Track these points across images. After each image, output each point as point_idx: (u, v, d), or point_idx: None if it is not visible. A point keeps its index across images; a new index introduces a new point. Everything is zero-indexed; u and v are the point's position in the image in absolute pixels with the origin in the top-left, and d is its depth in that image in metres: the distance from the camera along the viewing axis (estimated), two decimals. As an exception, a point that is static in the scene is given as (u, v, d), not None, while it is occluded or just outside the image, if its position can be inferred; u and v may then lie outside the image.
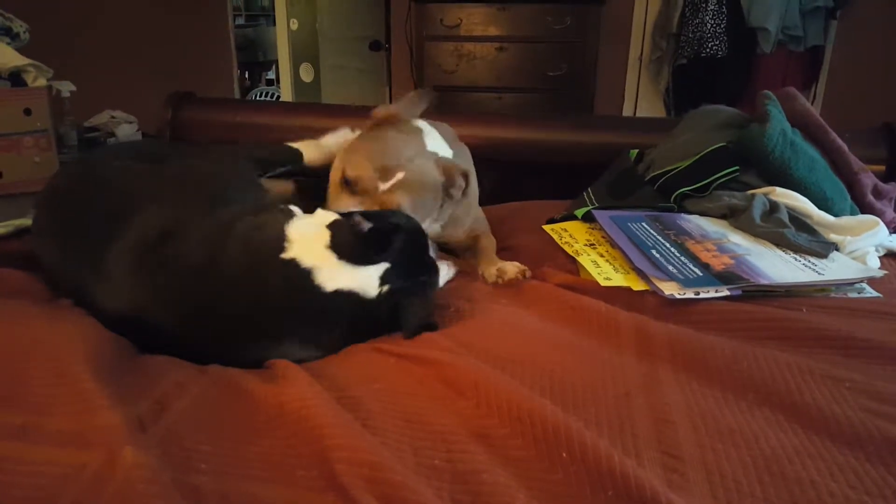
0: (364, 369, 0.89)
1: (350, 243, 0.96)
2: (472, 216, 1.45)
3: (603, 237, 1.28)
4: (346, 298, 0.94)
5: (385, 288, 0.96)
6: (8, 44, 2.45)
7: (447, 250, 1.49)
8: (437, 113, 1.56)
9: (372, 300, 0.96)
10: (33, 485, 0.65)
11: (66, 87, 2.79)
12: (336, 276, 0.94)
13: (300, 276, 0.92)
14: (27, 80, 2.44)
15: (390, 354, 0.92)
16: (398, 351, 0.92)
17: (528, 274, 1.24)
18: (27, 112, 2.40)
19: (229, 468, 0.69)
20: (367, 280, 0.95)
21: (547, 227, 1.37)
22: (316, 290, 0.93)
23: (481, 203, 1.67)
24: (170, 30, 3.97)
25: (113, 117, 3.22)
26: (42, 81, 2.48)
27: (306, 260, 0.93)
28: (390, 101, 4.28)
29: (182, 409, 0.78)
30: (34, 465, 0.68)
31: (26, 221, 1.26)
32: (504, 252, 1.38)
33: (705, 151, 1.45)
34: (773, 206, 1.29)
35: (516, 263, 1.26)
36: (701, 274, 1.10)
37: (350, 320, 0.96)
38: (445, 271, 1.24)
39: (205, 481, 0.67)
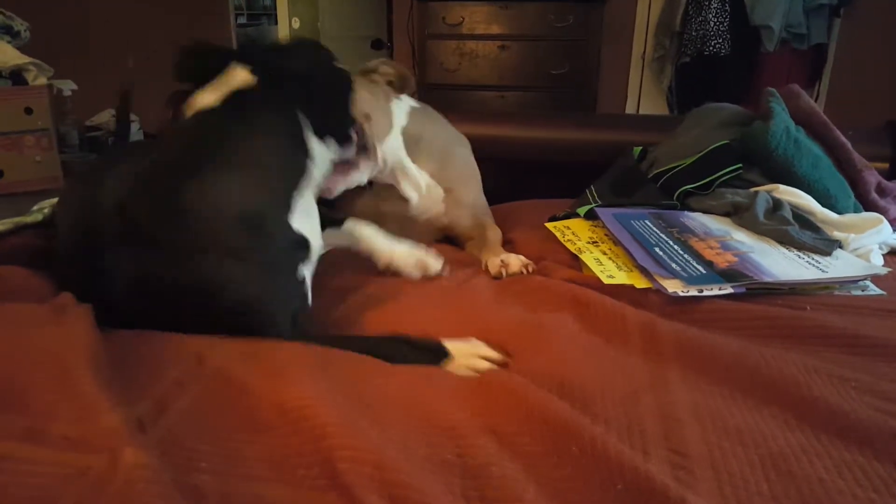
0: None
1: None
2: (473, 197, 1.48)
3: (606, 235, 1.27)
4: None
5: None
6: (9, 42, 2.45)
7: (453, 242, 1.49)
8: (439, 112, 1.57)
9: None
10: (36, 485, 0.65)
11: (68, 86, 2.79)
12: None
13: None
14: (28, 79, 2.44)
15: None
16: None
17: (532, 268, 1.24)
18: (28, 111, 2.40)
19: (230, 468, 0.69)
20: None
21: (549, 225, 1.36)
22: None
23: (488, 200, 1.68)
24: (172, 29, 3.97)
25: (114, 116, 3.22)
26: (43, 80, 2.48)
27: None
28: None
29: (182, 408, 0.78)
30: (38, 466, 0.68)
31: (26, 219, 1.26)
32: (506, 248, 1.38)
33: (708, 149, 1.44)
34: (777, 204, 1.29)
35: (521, 256, 1.27)
36: (704, 271, 1.09)
37: None
38: (433, 262, 1.25)
39: (206, 480, 0.67)
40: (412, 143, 1.40)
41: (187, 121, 1.03)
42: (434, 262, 1.23)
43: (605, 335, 0.97)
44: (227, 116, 1.00)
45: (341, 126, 1.15)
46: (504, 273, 1.23)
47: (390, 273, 1.24)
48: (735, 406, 0.82)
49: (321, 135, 1.07)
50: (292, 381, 0.82)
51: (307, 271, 1.01)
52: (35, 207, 1.31)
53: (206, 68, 1.04)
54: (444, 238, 1.51)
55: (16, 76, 2.46)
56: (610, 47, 3.62)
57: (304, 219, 1.01)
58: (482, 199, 1.54)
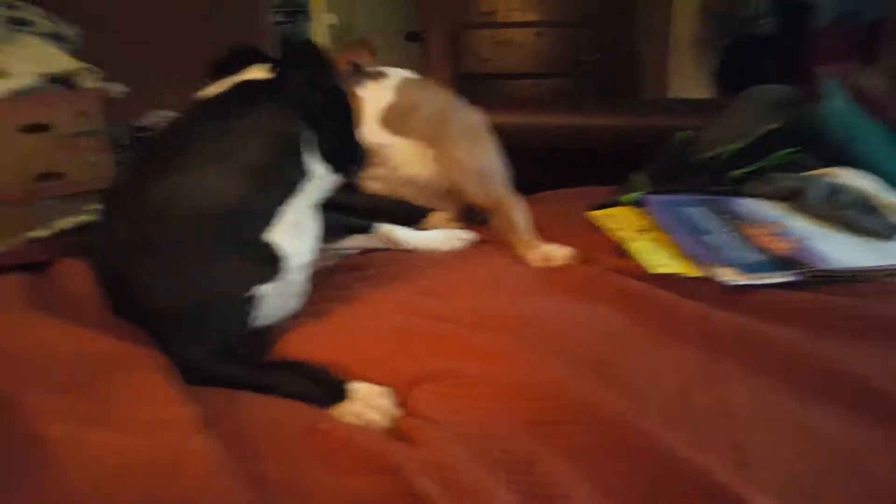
0: (422, 359, 0.88)
1: None
2: (479, 162, 1.44)
3: (654, 223, 1.24)
4: None
5: None
6: (60, 48, 2.52)
7: (475, 220, 1.48)
8: (473, 101, 1.55)
9: None
10: (108, 466, 0.69)
11: (118, 89, 2.86)
12: None
13: None
14: (80, 83, 2.51)
15: (446, 337, 0.92)
16: (454, 332, 0.93)
17: (581, 259, 1.22)
18: (82, 114, 2.47)
19: (292, 455, 0.72)
20: None
21: (592, 214, 1.34)
22: None
23: (523, 192, 1.65)
24: (213, 29, 4.03)
25: (163, 117, 3.31)
26: (94, 84, 2.55)
27: None
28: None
29: (249, 398, 0.82)
30: (108, 448, 0.71)
31: (86, 218, 1.32)
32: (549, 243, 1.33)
33: (760, 132, 1.41)
34: (835, 188, 1.24)
35: (565, 248, 1.24)
36: (760, 259, 1.06)
37: None
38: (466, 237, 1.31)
39: (269, 467, 0.70)
40: (403, 115, 1.38)
41: (181, 113, 1.01)
42: (465, 237, 1.34)
43: (657, 327, 0.95)
44: (217, 108, 0.96)
45: (350, 156, 1.07)
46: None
47: None
48: (795, 400, 0.79)
49: (327, 157, 0.99)
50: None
51: (267, 289, 0.96)
52: (92, 207, 1.35)
53: (231, 65, 1.01)
54: (468, 216, 1.49)
55: (68, 81, 2.54)
56: (650, 30, 3.55)
57: (289, 235, 0.97)
58: (496, 167, 1.48)
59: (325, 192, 1.04)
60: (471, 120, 1.50)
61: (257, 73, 0.97)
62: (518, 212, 1.37)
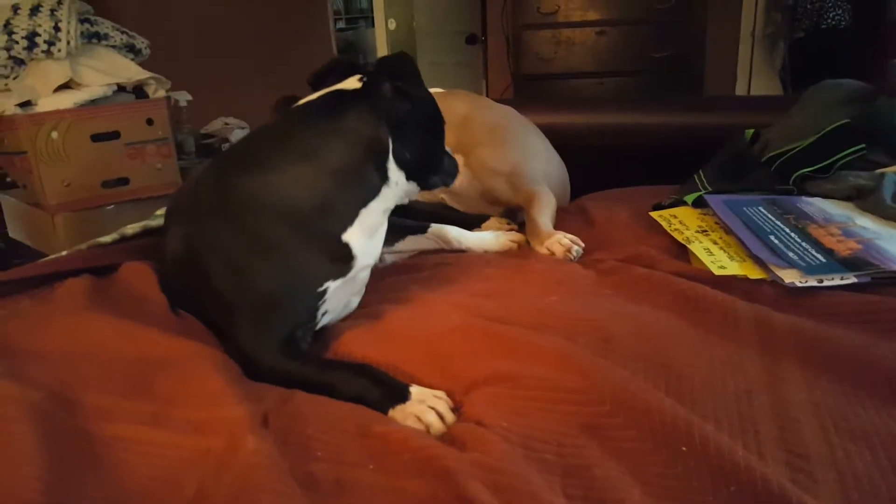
0: (477, 362, 0.89)
1: None
2: (509, 163, 1.44)
3: (716, 223, 1.22)
4: None
5: None
6: (132, 59, 2.63)
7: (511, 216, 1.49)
8: (534, 101, 1.55)
9: None
10: (160, 466, 0.71)
11: (184, 97, 2.97)
12: None
13: None
14: (148, 93, 2.62)
15: (502, 339, 0.92)
16: (510, 334, 0.92)
17: (577, 252, 1.23)
18: (149, 122, 2.58)
19: (344, 456, 0.72)
20: None
21: (654, 214, 1.32)
22: None
23: (582, 191, 1.63)
24: (275, 37, 4.13)
25: (226, 124, 3.41)
26: (162, 93, 2.65)
27: None
28: (487, 94, 4.30)
29: (302, 399, 0.83)
30: (162, 447, 0.73)
31: (151, 222, 1.35)
32: (606, 243, 1.31)
33: (827, 129, 1.36)
34: (906, 186, 1.19)
35: (567, 239, 1.25)
36: (825, 260, 1.03)
37: None
38: (515, 238, 1.33)
39: (321, 468, 0.70)
40: None
41: (274, 120, 1.05)
42: (515, 238, 1.35)
43: (716, 330, 0.93)
44: (307, 113, 1.01)
45: (431, 168, 1.11)
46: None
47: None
48: (860, 406, 0.77)
49: (406, 165, 1.03)
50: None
51: (336, 285, 0.99)
52: (158, 212, 1.40)
53: (329, 77, 1.06)
54: (503, 214, 1.51)
55: (138, 90, 2.65)
56: (716, 25, 3.46)
57: (363, 237, 1.00)
58: (527, 167, 1.48)
59: (401, 199, 1.07)
60: (496, 121, 1.51)
61: (351, 83, 1.02)
62: (538, 204, 1.37)
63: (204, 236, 0.98)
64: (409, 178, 1.04)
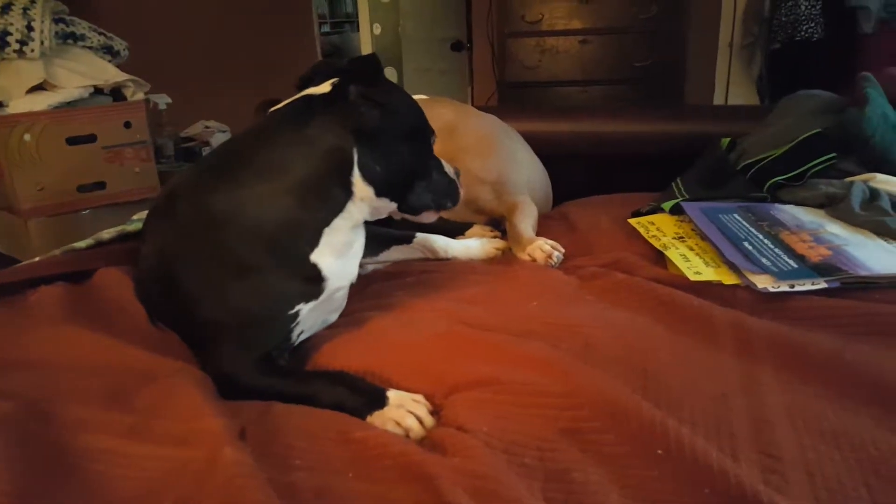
0: (460, 367, 0.89)
1: None
2: (494, 173, 1.45)
3: (693, 230, 1.25)
4: None
5: None
6: (109, 61, 2.61)
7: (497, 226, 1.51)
8: (521, 109, 1.57)
9: None
10: (139, 478, 0.70)
11: (163, 100, 2.95)
12: None
13: None
14: (127, 95, 2.59)
15: (484, 344, 0.93)
16: (492, 339, 0.93)
17: (558, 258, 1.25)
18: (127, 125, 2.54)
19: (323, 465, 0.72)
20: None
21: (633, 221, 1.35)
22: None
23: (565, 197, 1.66)
24: (258, 39, 4.11)
25: (207, 127, 3.38)
26: (140, 95, 2.63)
27: None
28: (472, 101, 4.32)
29: (281, 409, 0.82)
30: (140, 460, 0.72)
31: (128, 227, 1.33)
32: (587, 249, 1.34)
33: (800, 138, 1.39)
34: (874, 194, 1.23)
35: (547, 244, 1.27)
36: (796, 266, 1.06)
37: None
38: (500, 244, 1.34)
39: (301, 477, 0.70)
40: None
41: (250, 126, 1.00)
42: (499, 245, 1.37)
43: (692, 335, 0.95)
44: (277, 121, 0.95)
45: (407, 185, 1.01)
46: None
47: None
48: (830, 407, 0.79)
49: (374, 178, 0.95)
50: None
51: (308, 307, 0.96)
52: (135, 217, 1.39)
53: (314, 80, 0.99)
54: (489, 222, 1.52)
55: (116, 93, 2.61)
56: (696, 36, 3.51)
57: (333, 257, 0.96)
58: (511, 176, 1.49)
59: (372, 216, 1.00)
60: (482, 130, 1.53)
61: (323, 87, 0.95)
62: (520, 213, 1.39)
63: (178, 254, 0.94)
64: (379, 194, 0.96)
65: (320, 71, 1.00)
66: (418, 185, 1.02)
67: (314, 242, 0.94)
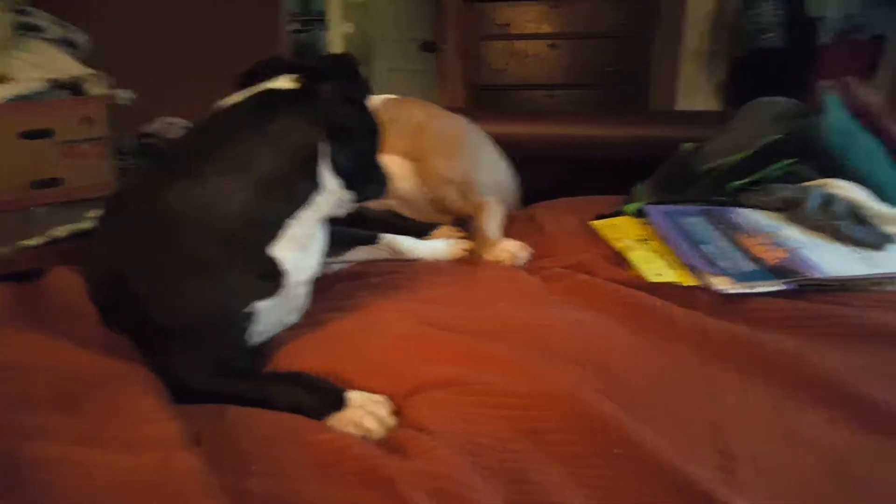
0: (422, 367, 0.89)
1: None
2: (460, 172, 1.45)
3: (654, 233, 1.26)
4: None
5: None
6: (69, 54, 2.55)
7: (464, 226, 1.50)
8: (490, 111, 1.58)
9: None
10: (89, 486, 0.68)
11: (125, 95, 2.90)
12: None
13: None
14: (86, 90, 2.54)
15: (448, 344, 0.93)
16: (456, 340, 0.93)
17: (524, 258, 1.27)
18: (86, 120, 2.49)
19: (281, 469, 0.71)
20: None
21: (595, 223, 1.36)
22: None
23: (534, 199, 1.67)
24: (224, 36, 4.05)
25: (169, 123, 3.32)
26: (101, 90, 2.57)
27: None
28: (442, 103, 4.32)
29: (237, 413, 0.81)
30: (90, 467, 0.70)
31: (80, 226, 1.31)
32: (553, 250, 1.35)
33: (761, 144, 1.42)
34: (829, 199, 1.25)
35: (513, 247, 1.28)
36: (753, 268, 1.08)
37: None
38: (464, 246, 1.34)
39: (257, 483, 0.69)
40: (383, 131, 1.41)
41: (199, 121, 0.98)
42: (467, 246, 1.36)
43: (653, 335, 0.97)
44: (238, 114, 0.93)
45: (369, 177, 1.05)
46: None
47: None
48: (786, 406, 0.81)
49: (343, 173, 0.96)
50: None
51: (266, 304, 0.94)
52: (89, 214, 1.37)
53: (258, 76, 0.98)
54: (455, 223, 1.51)
55: (75, 87, 2.55)
56: (661, 43, 3.55)
57: (294, 250, 0.95)
58: (478, 177, 1.50)
59: (335, 210, 1.01)
60: (451, 130, 1.53)
61: (284, 82, 0.94)
62: (486, 214, 1.40)
63: (130, 253, 0.92)
64: (346, 186, 0.98)
65: (265, 67, 0.99)
66: (378, 177, 1.07)
67: (274, 236, 0.92)
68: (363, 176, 1.02)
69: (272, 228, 0.92)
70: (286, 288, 0.96)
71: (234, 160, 0.90)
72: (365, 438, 0.78)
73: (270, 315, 0.97)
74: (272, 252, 0.93)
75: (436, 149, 1.46)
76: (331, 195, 0.97)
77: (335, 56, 0.97)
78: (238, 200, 0.89)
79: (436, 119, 1.54)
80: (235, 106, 0.95)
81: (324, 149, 0.93)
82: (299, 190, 0.93)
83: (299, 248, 0.96)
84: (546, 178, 1.82)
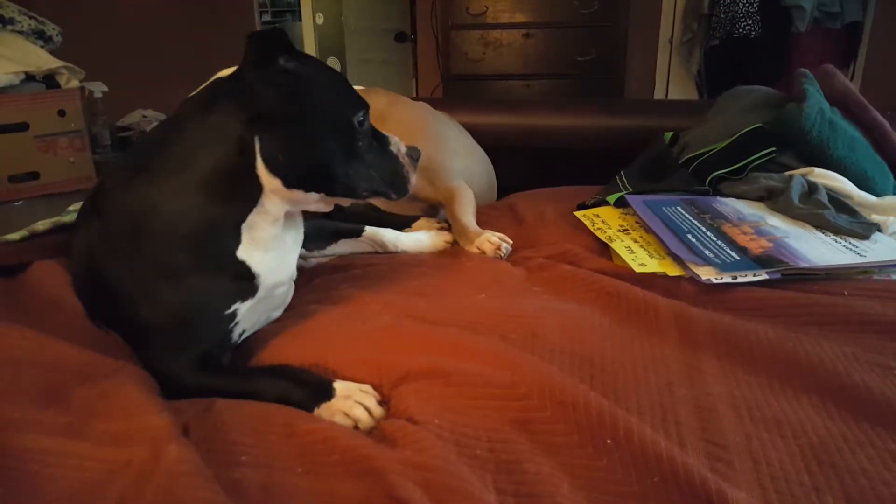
0: (408, 358, 0.88)
1: None
2: (425, 159, 1.44)
3: (637, 222, 1.26)
4: None
5: None
6: (42, 46, 2.50)
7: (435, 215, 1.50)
8: (465, 102, 1.56)
9: None
10: (79, 478, 0.68)
11: (99, 88, 2.85)
12: None
13: None
14: (61, 82, 2.49)
15: (432, 336, 0.92)
16: (441, 331, 0.92)
17: (507, 250, 1.26)
18: (61, 113, 2.45)
19: (270, 460, 0.70)
20: None
21: (578, 213, 1.35)
22: None
23: (512, 189, 1.66)
24: (196, 27, 4.00)
25: (144, 116, 3.28)
26: (75, 83, 2.53)
27: None
28: (416, 93, 4.30)
29: (225, 405, 0.80)
30: (79, 459, 0.70)
31: (63, 218, 1.28)
32: (534, 240, 1.34)
33: (741, 133, 1.42)
34: (812, 187, 1.26)
35: (495, 237, 1.27)
36: (738, 258, 1.07)
37: None
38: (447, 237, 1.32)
39: (246, 474, 0.68)
40: None
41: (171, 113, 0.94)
42: (448, 237, 1.35)
43: (637, 326, 0.96)
44: (187, 108, 0.89)
45: (323, 173, 0.90)
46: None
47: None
48: (773, 395, 0.81)
49: (278, 167, 0.86)
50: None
51: (246, 306, 0.92)
52: (70, 207, 1.34)
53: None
54: (429, 209, 1.51)
55: (49, 80, 2.51)
56: (637, 32, 3.57)
57: (260, 252, 0.91)
58: (444, 162, 1.48)
59: (293, 208, 0.94)
60: (413, 116, 1.52)
61: (230, 69, 0.89)
62: (458, 203, 1.38)
63: (106, 254, 0.90)
64: (289, 185, 0.87)
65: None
66: (343, 171, 0.91)
67: (237, 239, 0.89)
68: (316, 173, 0.89)
69: (231, 231, 0.88)
70: (263, 289, 0.94)
71: (179, 159, 0.86)
72: (355, 428, 0.77)
73: (253, 315, 0.96)
74: (241, 256, 0.89)
75: (398, 135, 1.45)
76: (275, 196, 0.88)
77: (261, 32, 0.83)
78: (189, 204, 0.85)
79: (396, 107, 1.52)
80: (190, 99, 0.90)
81: (254, 142, 0.85)
82: (244, 190, 0.87)
83: (265, 250, 0.92)
84: (521, 167, 1.81)
